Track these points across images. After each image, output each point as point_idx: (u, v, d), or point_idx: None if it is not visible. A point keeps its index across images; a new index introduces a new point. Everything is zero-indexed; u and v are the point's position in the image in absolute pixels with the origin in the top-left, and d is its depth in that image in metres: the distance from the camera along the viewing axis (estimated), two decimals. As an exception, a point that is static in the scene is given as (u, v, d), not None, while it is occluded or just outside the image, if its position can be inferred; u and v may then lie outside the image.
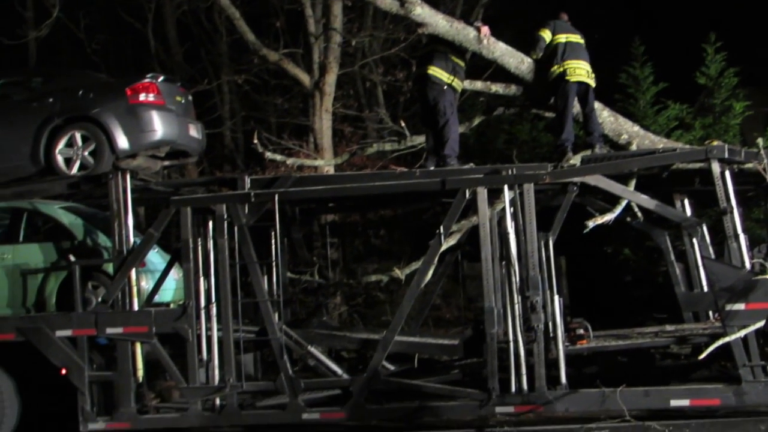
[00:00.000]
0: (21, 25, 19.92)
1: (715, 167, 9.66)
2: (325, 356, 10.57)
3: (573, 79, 10.73)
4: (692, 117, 16.05)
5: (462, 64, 11.44)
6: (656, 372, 10.76)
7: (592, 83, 10.84)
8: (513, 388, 9.33)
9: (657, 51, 16.77)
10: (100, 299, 10.37)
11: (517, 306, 9.47)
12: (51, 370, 10.17)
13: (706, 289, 10.60)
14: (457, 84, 11.28)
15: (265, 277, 10.44)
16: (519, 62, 11.36)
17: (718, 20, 17.38)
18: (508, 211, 9.69)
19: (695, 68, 16.30)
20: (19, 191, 10.87)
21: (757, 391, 8.99)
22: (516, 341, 9.39)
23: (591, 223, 10.17)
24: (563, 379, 9.37)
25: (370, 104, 19.61)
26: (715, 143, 10.23)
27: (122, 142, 10.33)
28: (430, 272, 10.53)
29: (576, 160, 10.45)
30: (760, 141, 10.20)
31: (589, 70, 10.81)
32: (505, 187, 9.73)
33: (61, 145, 10.45)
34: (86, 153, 10.38)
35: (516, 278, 9.54)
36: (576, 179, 9.98)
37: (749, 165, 9.93)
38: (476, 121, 12.65)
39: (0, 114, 10.83)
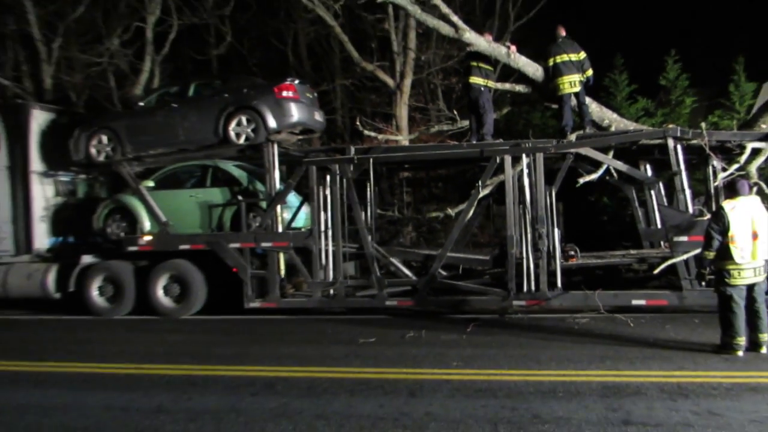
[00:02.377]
0: (206, 46, 20.21)
1: (670, 142, 9.46)
2: (401, 264, 10.66)
3: (560, 92, 10.53)
4: (654, 108, 15.78)
5: (491, 69, 11.32)
6: (622, 281, 10.68)
7: (577, 89, 10.50)
8: (525, 289, 9.39)
9: (631, 61, 16.63)
10: (257, 224, 10.64)
11: (529, 235, 9.47)
12: (226, 269, 10.54)
13: (660, 226, 10.38)
14: (491, 84, 11.19)
15: (362, 212, 10.56)
16: (535, 70, 11.14)
17: (676, 39, 16.95)
18: (525, 171, 9.63)
19: (658, 74, 16.27)
20: (206, 154, 11.12)
21: (693, 296, 8.92)
22: (528, 258, 9.41)
23: (581, 180, 10.04)
24: (559, 284, 9.36)
25: (433, 99, 19.44)
26: (671, 126, 9.96)
27: (272, 122, 10.44)
28: (471, 211, 10.54)
29: (572, 137, 10.27)
30: (703, 125, 10.05)
31: (573, 80, 10.43)
32: (524, 155, 9.68)
33: (233, 124, 10.57)
34: (249, 130, 10.52)
35: (528, 216, 9.52)
36: (572, 150, 9.83)
37: (694, 141, 9.66)
38: (504, 111, 12.49)
39: (194, 105, 10.96)
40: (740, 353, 6.67)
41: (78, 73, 18.50)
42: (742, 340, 6.71)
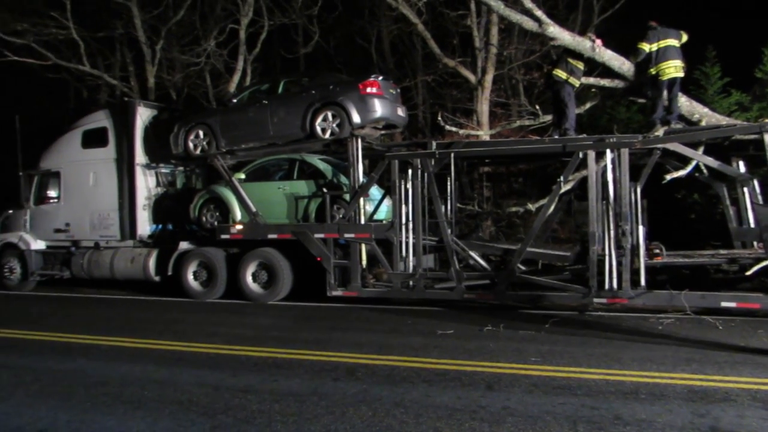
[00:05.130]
0: (295, 46, 20.58)
1: (767, 137, 8.76)
2: (480, 258, 10.49)
3: (664, 77, 9.95)
4: (749, 102, 14.68)
5: (580, 66, 10.86)
6: (711, 282, 10.03)
7: (681, 74, 9.97)
8: (606, 286, 8.98)
9: (724, 52, 15.46)
10: (341, 215, 10.74)
11: (611, 231, 9.05)
12: (310, 258, 10.69)
13: (753, 225, 9.70)
14: (573, 81, 10.75)
15: (443, 206, 10.46)
16: (621, 64, 10.66)
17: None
18: (609, 167, 9.19)
19: (753, 66, 14.96)
20: (293, 148, 11.31)
21: (789, 300, 8.23)
22: (610, 255, 9.00)
23: (668, 177, 9.54)
24: (643, 282, 8.89)
25: (515, 94, 19.01)
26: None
27: (356, 118, 10.49)
28: (552, 206, 10.22)
29: (660, 131, 9.76)
30: (803, 119, 9.26)
31: (678, 65, 9.91)
32: (608, 150, 9.23)
33: (319, 119, 10.70)
34: (334, 125, 10.62)
35: (612, 213, 9.11)
36: (660, 146, 9.34)
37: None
38: (588, 105, 12.02)
39: (283, 102, 11.15)
40: None
41: (178, 73, 19.36)
42: None
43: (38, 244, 13.48)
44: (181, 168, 13.35)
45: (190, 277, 11.68)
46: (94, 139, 12.92)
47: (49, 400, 5.46)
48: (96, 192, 12.79)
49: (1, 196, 15.63)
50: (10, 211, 14.00)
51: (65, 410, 5.19)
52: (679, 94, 10.43)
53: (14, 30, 17.66)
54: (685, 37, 10.03)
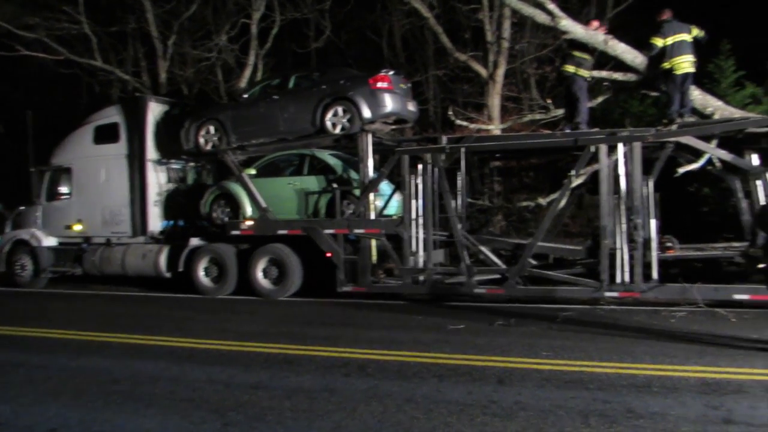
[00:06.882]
0: (306, 40, 20.57)
1: (780, 131, 8.71)
2: (490, 253, 10.45)
3: (678, 72, 9.85)
4: (763, 94, 14.52)
5: (586, 57, 10.77)
6: (723, 275, 9.94)
7: (693, 70, 9.87)
8: (618, 280, 8.94)
9: (739, 45, 15.28)
10: (351, 211, 10.73)
11: (623, 225, 9.00)
12: (321, 254, 10.69)
13: (767, 218, 9.60)
14: (583, 72, 10.67)
15: (453, 201, 10.43)
16: (634, 57, 10.59)
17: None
18: (621, 160, 9.13)
19: (766, 60, 14.78)
20: (303, 144, 11.28)
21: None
22: (622, 249, 8.95)
23: (681, 170, 9.46)
24: (655, 275, 8.87)
25: (526, 88, 18.90)
26: (781, 113, 9.20)
27: (366, 113, 10.46)
28: (564, 201, 10.17)
29: (673, 126, 9.68)
30: (817, 112, 9.14)
31: (692, 60, 9.82)
32: (620, 144, 9.18)
33: (329, 114, 10.68)
34: (345, 120, 10.60)
35: (623, 207, 9.05)
36: (673, 139, 9.25)
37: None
38: (600, 99, 11.94)
39: (293, 97, 11.14)
40: None
41: (189, 68, 19.43)
42: None
43: (50, 241, 13.54)
44: (191, 164, 13.37)
45: (201, 273, 11.72)
46: (105, 134, 12.94)
47: (60, 398, 5.48)
48: (107, 188, 12.82)
49: (13, 191, 15.74)
50: (22, 208, 14.07)
51: (76, 408, 5.20)
52: (693, 87, 10.35)
53: (26, 24, 17.74)
54: (695, 31, 9.90)
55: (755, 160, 9.96)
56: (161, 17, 18.90)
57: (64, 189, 13.50)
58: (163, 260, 12.21)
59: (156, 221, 12.70)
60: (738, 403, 4.86)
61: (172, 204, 12.85)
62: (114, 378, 6.05)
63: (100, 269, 12.92)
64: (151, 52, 19.81)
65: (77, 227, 13.10)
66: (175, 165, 13.08)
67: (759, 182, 9.65)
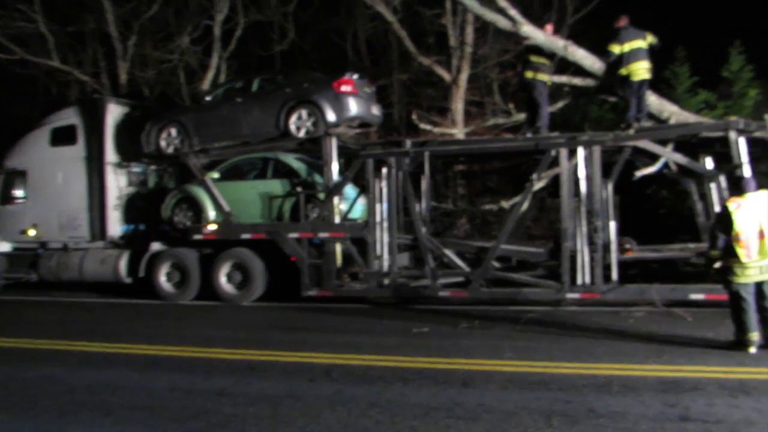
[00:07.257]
0: (270, 43, 20.40)
1: (732, 135, 9.01)
2: (455, 256, 10.49)
3: (635, 78, 10.01)
4: (716, 100, 15.09)
5: (545, 62, 10.89)
6: (680, 275, 10.20)
7: (649, 76, 10.06)
8: (579, 282, 9.09)
9: (693, 52, 15.93)
10: (315, 215, 10.66)
11: (584, 228, 9.16)
12: (285, 258, 10.61)
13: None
14: (542, 76, 10.73)
15: (417, 204, 10.45)
16: (593, 63, 10.80)
17: (740, 29, 16.08)
18: (581, 164, 9.30)
19: (721, 66, 15.49)
20: (267, 147, 11.21)
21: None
22: (583, 251, 9.11)
23: (639, 173, 9.66)
24: (614, 277, 9.04)
25: (489, 93, 19.12)
26: (733, 118, 9.49)
27: (331, 116, 10.43)
28: (526, 204, 10.30)
29: (630, 130, 9.89)
30: (766, 117, 9.47)
31: (647, 66, 10.00)
32: (580, 148, 9.33)
33: (293, 118, 10.61)
34: (309, 123, 10.54)
35: (584, 209, 9.21)
36: (631, 143, 9.45)
37: (758, 134, 9.15)
38: (560, 104, 12.15)
39: (257, 100, 11.05)
40: (753, 350, 6.36)
41: (150, 70, 19.10)
42: (754, 336, 6.40)
43: (3, 246, 13.09)
44: (153, 167, 13.12)
45: (163, 278, 11.50)
46: (62, 136, 12.61)
47: (12, 410, 5.30)
48: (65, 191, 12.48)
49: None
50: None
51: (30, 419, 5.04)
52: (650, 92, 10.59)
53: (-23, 22, 17.19)
54: (650, 38, 10.10)
55: (709, 163, 10.27)
56: (121, 17, 18.52)
57: (19, 192, 13.10)
58: (123, 265, 11.95)
59: (116, 226, 12.42)
60: (694, 400, 4.98)
61: (132, 208, 12.59)
62: (70, 387, 5.87)
63: (57, 275, 12.56)
64: (110, 52, 19.39)
65: (32, 232, 12.75)
66: (136, 168, 12.82)
67: (713, 185, 9.92)
